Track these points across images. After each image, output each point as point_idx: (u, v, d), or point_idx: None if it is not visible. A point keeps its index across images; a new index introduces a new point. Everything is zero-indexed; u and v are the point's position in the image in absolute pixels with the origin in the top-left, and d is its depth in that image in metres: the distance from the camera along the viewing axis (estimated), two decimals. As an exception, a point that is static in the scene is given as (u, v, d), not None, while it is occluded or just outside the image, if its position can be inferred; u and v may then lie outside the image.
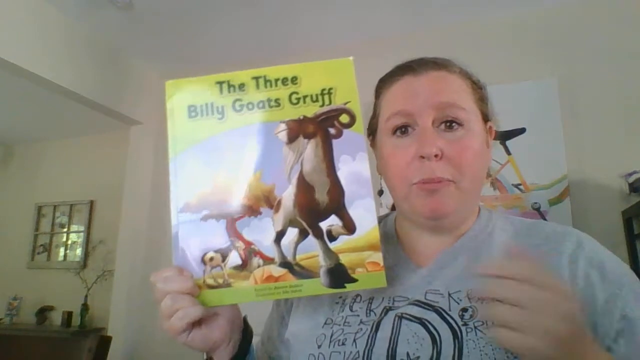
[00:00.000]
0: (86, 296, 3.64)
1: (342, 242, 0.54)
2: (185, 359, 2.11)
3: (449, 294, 0.57)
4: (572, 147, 2.18)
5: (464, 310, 0.55)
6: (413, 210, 0.61)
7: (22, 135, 4.35)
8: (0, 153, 4.55)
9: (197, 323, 0.54)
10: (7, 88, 3.23)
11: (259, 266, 0.54)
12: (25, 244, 4.20)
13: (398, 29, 2.55)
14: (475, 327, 0.53)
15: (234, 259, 0.54)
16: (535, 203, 2.16)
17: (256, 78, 0.57)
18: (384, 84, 0.67)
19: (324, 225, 0.54)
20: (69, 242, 4.11)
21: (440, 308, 0.56)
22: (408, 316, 0.57)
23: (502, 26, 2.39)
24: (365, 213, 0.54)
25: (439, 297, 0.57)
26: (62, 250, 4.13)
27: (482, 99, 0.65)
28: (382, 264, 0.53)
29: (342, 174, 0.55)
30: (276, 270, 0.54)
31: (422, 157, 0.57)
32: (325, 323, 0.62)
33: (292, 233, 0.55)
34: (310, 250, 0.54)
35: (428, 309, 0.57)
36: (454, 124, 0.59)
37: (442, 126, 0.60)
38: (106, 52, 2.78)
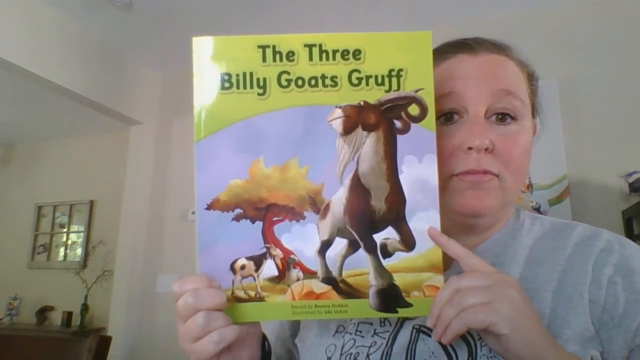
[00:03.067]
0: (86, 296, 3.64)
1: (397, 260, 0.46)
2: (186, 358, 2.10)
3: None
4: (572, 147, 2.18)
5: None
6: (449, 205, 0.52)
7: (22, 135, 4.34)
8: (0, 153, 4.55)
9: (226, 346, 0.46)
10: (7, 88, 3.22)
11: (298, 279, 0.47)
12: (25, 244, 4.20)
13: (397, 29, 2.55)
14: None
15: (270, 269, 0.47)
16: (536, 203, 2.16)
17: (309, 46, 0.46)
18: None
19: (378, 238, 0.46)
20: (69, 242, 4.11)
21: None
22: (426, 329, 0.51)
23: (502, 26, 2.38)
24: (427, 227, 0.46)
25: None
26: (62, 250, 4.12)
27: (534, 93, 0.59)
28: None
29: (405, 178, 0.46)
30: (318, 286, 0.46)
31: (470, 148, 0.50)
32: (336, 331, 0.56)
33: (339, 244, 0.47)
34: (360, 267, 0.46)
35: None
36: (507, 117, 0.53)
37: (494, 118, 0.53)
38: (106, 52, 2.77)
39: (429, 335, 0.50)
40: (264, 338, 0.55)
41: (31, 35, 2.31)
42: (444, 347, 0.49)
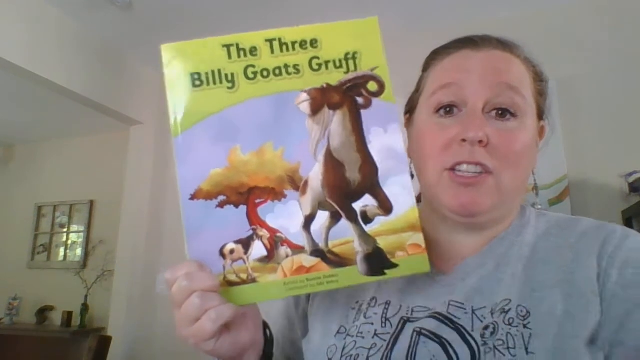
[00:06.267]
0: (86, 296, 3.64)
1: (378, 224, 0.48)
2: (186, 358, 2.10)
3: (473, 311, 0.50)
4: (572, 147, 2.18)
5: (486, 328, 0.49)
6: (441, 202, 0.53)
7: (22, 135, 4.34)
8: (0, 153, 4.55)
9: (224, 326, 0.46)
10: (7, 88, 3.22)
11: (287, 256, 0.48)
12: (25, 244, 4.20)
13: (397, 29, 2.55)
14: (495, 347, 0.47)
15: (258, 249, 0.48)
16: (536, 203, 2.16)
17: (270, 41, 0.50)
18: (436, 55, 0.59)
19: (357, 206, 0.48)
20: (69, 242, 4.11)
21: (462, 327, 0.49)
22: (427, 333, 0.51)
23: (502, 26, 2.38)
24: (402, 191, 0.49)
25: (462, 312, 0.51)
26: (62, 250, 4.12)
27: (541, 93, 0.58)
28: (424, 245, 0.48)
29: (374, 148, 0.49)
30: (307, 260, 0.48)
31: (464, 140, 0.51)
32: (338, 332, 0.56)
33: (322, 217, 0.48)
34: (344, 236, 0.48)
35: (449, 326, 0.50)
36: (507, 114, 0.52)
37: (493, 113, 0.52)
38: (106, 52, 2.77)
39: (430, 339, 0.50)
40: (265, 326, 0.55)
41: (31, 35, 2.31)
42: (445, 351, 0.48)
